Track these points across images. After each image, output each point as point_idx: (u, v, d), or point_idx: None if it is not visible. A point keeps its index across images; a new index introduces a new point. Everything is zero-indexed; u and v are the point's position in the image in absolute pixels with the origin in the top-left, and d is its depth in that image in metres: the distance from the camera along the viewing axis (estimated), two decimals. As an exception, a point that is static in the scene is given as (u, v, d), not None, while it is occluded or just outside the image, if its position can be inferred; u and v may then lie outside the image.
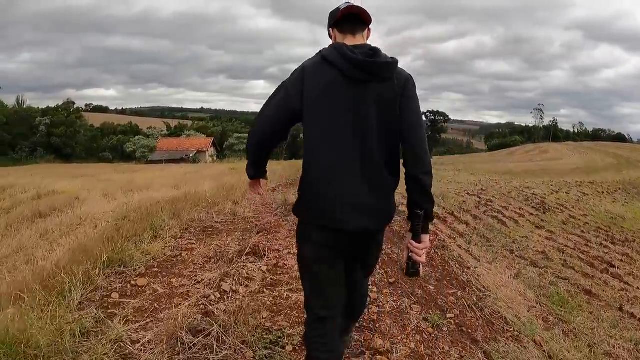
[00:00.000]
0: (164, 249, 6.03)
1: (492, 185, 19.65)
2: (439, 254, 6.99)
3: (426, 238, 2.48)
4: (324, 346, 2.60)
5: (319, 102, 2.41)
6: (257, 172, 2.86)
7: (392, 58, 2.42)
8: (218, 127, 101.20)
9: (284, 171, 22.60)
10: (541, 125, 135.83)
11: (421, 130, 2.47)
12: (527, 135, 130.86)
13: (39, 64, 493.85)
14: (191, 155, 70.47)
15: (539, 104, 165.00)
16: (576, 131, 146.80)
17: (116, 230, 6.81)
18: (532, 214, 12.75)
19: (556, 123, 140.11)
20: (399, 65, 2.46)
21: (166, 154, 71.26)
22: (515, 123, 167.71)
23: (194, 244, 6.43)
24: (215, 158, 76.69)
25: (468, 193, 14.68)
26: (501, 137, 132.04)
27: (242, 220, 8.02)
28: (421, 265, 2.48)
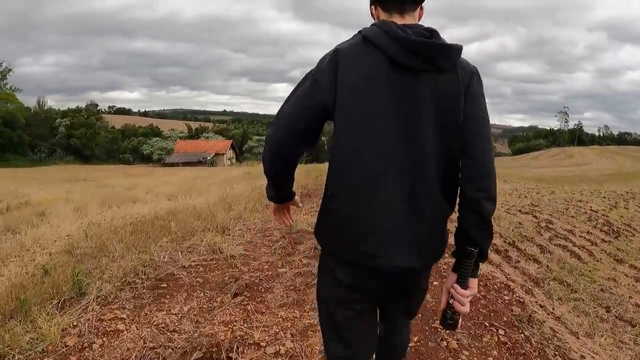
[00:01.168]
0: (66, 333, 3.51)
1: (537, 196, 17.43)
2: (523, 330, 4.26)
3: (474, 283, 1.86)
4: None
5: (357, 97, 1.72)
6: (279, 193, 2.14)
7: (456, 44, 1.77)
8: (239, 129, 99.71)
9: (299, 178, 20.44)
10: (566, 129, 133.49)
11: (488, 141, 1.82)
12: (552, 138, 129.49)
13: (64, 66, 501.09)
14: (209, 158, 69.55)
15: (564, 107, 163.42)
16: (601, 135, 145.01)
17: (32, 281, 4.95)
18: (603, 239, 10.17)
19: (581, 126, 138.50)
20: None
21: (183, 156, 70.82)
22: (539, 126, 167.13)
23: (123, 319, 3.86)
24: (234, 161, 75.26)
25: (520, 210, 12.05)
26: (525, 141, 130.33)
27: (223, 262, 5.60)
28: (461, 316, 1.87)
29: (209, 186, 20.87)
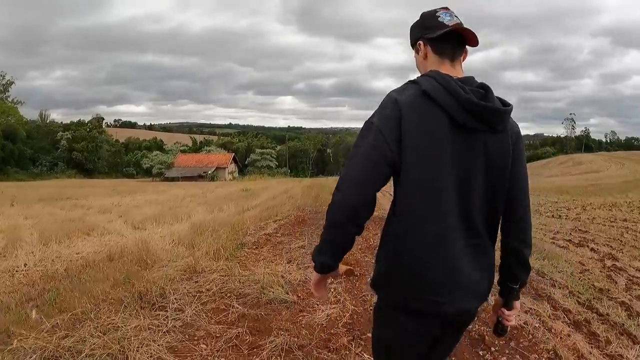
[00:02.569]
0: None
1: (570, 213, 15.36)
2: None
3: (517, 304, 2.07)
4: None
5: (423, 155, 1.75)
6: (337, 262, 1.93)
7: (504, 103, 1.86)
8: (243, 142, 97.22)
9: (296, 194, 17.98)
10: (573, 136, 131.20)
11: (528, 198, 1.98)
12: (559, 146, 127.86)
13: (72, 80, 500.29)
14: (209, 172, 67.38)
15: (571, 114, 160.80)
16: (608, 140, 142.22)
17: None
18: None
19: (588, 133, 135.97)
20: None
21: (184, 170, 68.61)
22: (545, 134, 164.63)
23: None
24: (237, 174, 73.42)
25: (570, 241, 9.39)
26: (532, 149, 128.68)
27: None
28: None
29: (197, 207, 18.67)
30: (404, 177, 1.76)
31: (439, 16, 1.88)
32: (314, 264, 1.94)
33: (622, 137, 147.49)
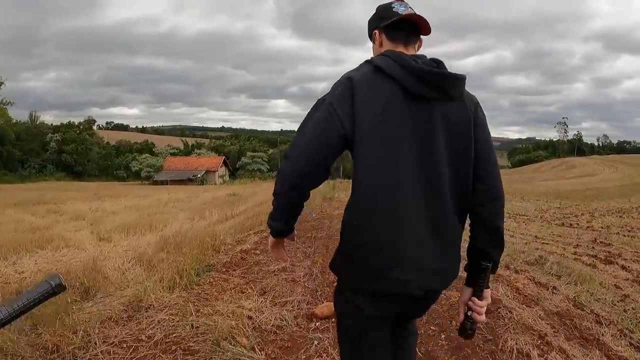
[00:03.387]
0: None
1: (578, 221, 14.07)
2: None
3: (488, 293, 1.95)
4: None
5: (377, 127, 1.76)
6: (286, 227, 2.00)
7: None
8: (235, 145, 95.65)
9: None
10: (565, 140, 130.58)
11: (497, 166, 1.97)
12: (552, 149, 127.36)
13: (65, 82, 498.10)
14: (199, 175, 65.67)
15: (563, 117, 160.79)
16: (601, 144, 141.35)
17: None
18: None
19: (581, 137, 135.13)
20: None
21: (173, 173, 66.99)
22: (537, 138, 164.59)
23: None
24: (227, 178, 72.03)
25: (596, 257, 8.11)
26: (524, 153, 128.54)
27: None
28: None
29: (178, 213, 17.51)
30: (359, 152, 1.76)
31: (394, 7, 1.93)
32: (269, 228, 1.99)
33: (615, 141, 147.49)
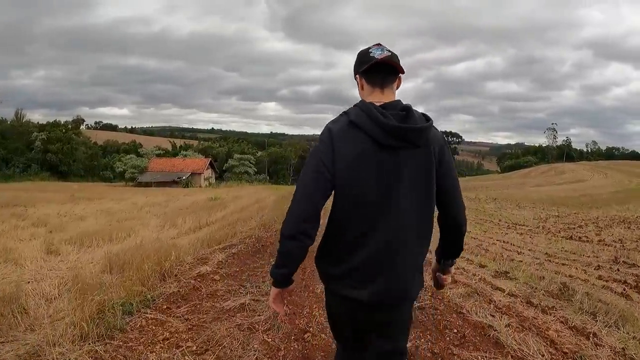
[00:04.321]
0: None
1: (594, 237, 12.49)
2: None
3: (452, 269, 2.53)
4: None
5: (350, 172, 2.13)
6: (287, 278, 2.25)
7: (427, 119, 2.19)
8: (224, 147, 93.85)
9: (270, 207, 15.46)
10: (554, 145, 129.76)
11: (461, 196, 2.34)
12: (541, 155, 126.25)
13: (55, 81, 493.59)
14: (184, 177, 63.83)
15: (552, 123, 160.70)
16: (589, 150, 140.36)
17: None
18: None
19: (570, 142, 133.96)
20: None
21: (157, 175, 65.00)
22: (525, 143, 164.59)
23: None
24: (213, 180, 70.52)
25: (624, 282, 6.74)
26: (514, 158, 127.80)
27: None
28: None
29: (150, 219, 16.37)
30: (336, 192, 2.15)
31: (371, 52, 2.18)
32: (272, 279, 2.26)
33: (603, 147, 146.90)
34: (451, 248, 2.38)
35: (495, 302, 5.11)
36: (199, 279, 6.01)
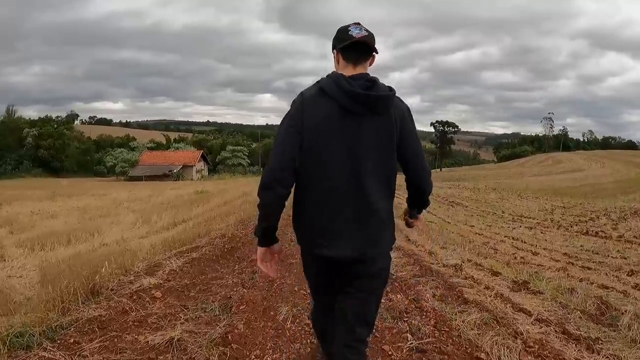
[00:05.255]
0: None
1: (612, 232, 11.43)
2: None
3: (421, 217, 2.76)
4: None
5: (317, 134, 2.31)
6: (270, 235, 2.44)
7: (390, 89, 2.35)
8: (218, 140, 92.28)
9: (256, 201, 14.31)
10: (551, 135, 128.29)
11: (424, 161, 2.50)
12: (538, 144, 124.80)
13: (49, 76, 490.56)
14: (175, 170, 62.33)
15: (549, 113, 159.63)
16: (586, 140, 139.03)
17: None
18: None
19: (566, 132, 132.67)
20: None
21: (148, 168, 63.30)
22: (522, 133, 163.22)
23: None
24: (205, 173, 69.08)
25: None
26: (510, 148, 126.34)
27: None
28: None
29: (126, 216, 15.21)
30: (302, 152, 2.28)
31: (350, 30, 2.32)
32: (257, 238, 2.45)
33: (600, 137, 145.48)
34: (417, 203, 2.62)
35: (522, 335, 3.66)
36: (135, 297, 4.68)
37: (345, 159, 2.27)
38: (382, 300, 3.70)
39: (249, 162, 78.33)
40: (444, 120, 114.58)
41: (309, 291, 3.15)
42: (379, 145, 2.28)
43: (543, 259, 7.17)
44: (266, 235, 2.39)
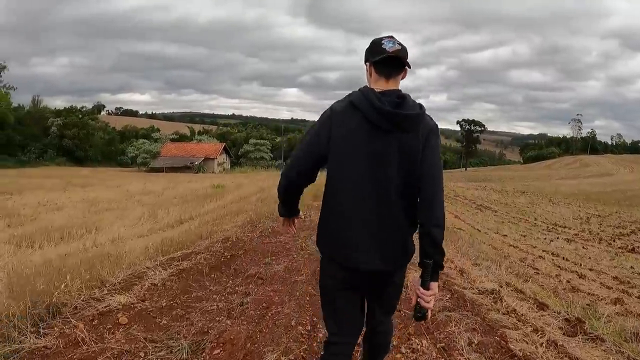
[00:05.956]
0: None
1: None
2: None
3: (434, 285, 2.35)
4: None
5: (344, 147, 2.34)
6: (287, 212, 2.71)
7: (419, 107, 2.33)
8: (242, 133, 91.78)
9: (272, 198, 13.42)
10: (579, 137, 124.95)
11: (439, 183, 2.36)
12: (565, 146, 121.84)
13: (76, 68, 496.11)
14: (196, 163, 61.73)
15: (577, 114, 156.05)
16: (614, 143, 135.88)
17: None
18: None
19: (594, 135, 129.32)
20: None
21: (169, 160, 62.86)
22: (548, 134, 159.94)
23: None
24: (227, 166, 68.57)
25: None
26: (537, 149, 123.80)
27: None
28: (429, 311, 2.36)
29: (134, 210, 14.36)
30: (329, 166, 2.35)
31: (383, 44, 2.28)
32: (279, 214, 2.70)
33: (628, 141, 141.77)
34: (427, 242, 2.27)
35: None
36: (96, 322, 3.82)
37: (370, 173, 2.29)
38: (403, 351, 3.56)
39: (272, 156, 77.64)
40: (470, 118, 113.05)
41: (315, 319, 3.17)
42: (403, 161, 2.27)
43: (592, 285, 6.15)
44: (287, 212, 2.66)
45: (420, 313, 2.29)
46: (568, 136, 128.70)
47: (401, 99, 2.27)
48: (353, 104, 2.28)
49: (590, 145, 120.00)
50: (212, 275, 5.37)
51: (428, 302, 2.27)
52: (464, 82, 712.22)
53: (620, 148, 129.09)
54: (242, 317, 4.04)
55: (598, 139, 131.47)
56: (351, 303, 2.50)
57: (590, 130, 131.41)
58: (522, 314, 4.34)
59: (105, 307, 4.09)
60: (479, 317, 4.20)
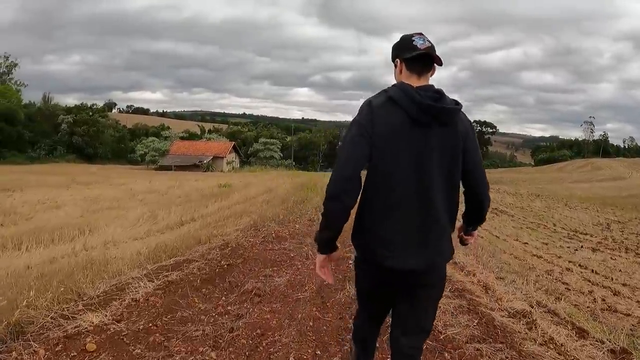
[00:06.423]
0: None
1: None
2: None
3: (475, 233, 2.65)
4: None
5: (386, 144, 2.30)
6: (331, 241, 2.41)
7: (456, 102, 2.36)
8: (252, 132, 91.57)
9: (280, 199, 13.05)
10: (591, 140, 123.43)
11: (484, 173, 2.47)
12: (577, 149, 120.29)
13: (88, 65, 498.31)
14: (205, 161, 61.33)
15: (590, 117, 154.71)
16: (626, 146, 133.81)
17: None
18: None
19: (607, 137, 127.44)
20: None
21: (178, 158, 62.70)
22: (560, 136, 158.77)
23: None
24: (236, 165, 68.08)
25: None
26: (548, 151, 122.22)
27: None
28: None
29: (135, 209, 13.93)
30: (372, 160, 2.27)
31: (414, 40, 2.32)
32: (317, 245, 2.41)
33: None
34: (474, 219, 2.53)
35: None
36: (60, 348, 3.26)
37: (412, 169, 2.27)
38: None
39: (281, 155, 77.29)
40: (482, 120, 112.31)
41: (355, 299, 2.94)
42: (444, 156, 2.27)
43: (630, 304, 5.57)
44: (328, 244, 2.39)
45: (463, 243, 2.68)
46: (580, 139, 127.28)
47: (439, 94, 2.28)
48: (392, 99, 2.28)
49: (602, 148, 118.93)
50: (204, 290, 4.74)
51: (469, 241, 2.64)
52: (475, 83, 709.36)
53: (632, 151, 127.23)
54: (231, 348, 3.41)
55: (610, 142, 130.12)
56: (386, 301, 2.55)
57: (603, 133, 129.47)
58: (561, 344, 3.70)
59: (75, 327, 3.51)
60: (514, 351, 3.54)
